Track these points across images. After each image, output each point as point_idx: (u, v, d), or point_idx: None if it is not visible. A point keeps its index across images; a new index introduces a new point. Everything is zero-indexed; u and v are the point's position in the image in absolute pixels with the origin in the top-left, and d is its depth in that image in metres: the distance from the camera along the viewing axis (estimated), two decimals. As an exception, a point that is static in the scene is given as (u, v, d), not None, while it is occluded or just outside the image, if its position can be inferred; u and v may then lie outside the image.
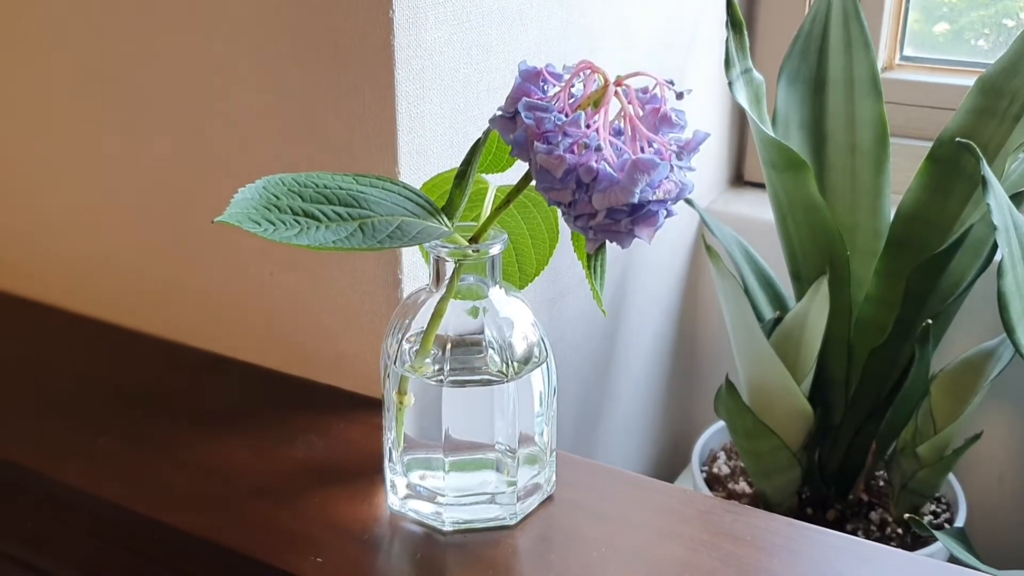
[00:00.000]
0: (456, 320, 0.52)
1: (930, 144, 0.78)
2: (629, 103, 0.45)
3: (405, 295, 0.61)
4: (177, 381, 0.68)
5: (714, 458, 0.93)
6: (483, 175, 0.53)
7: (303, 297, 0.65)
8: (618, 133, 0.46)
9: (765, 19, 1.00)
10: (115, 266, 0.74)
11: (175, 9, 0.63)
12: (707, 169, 1.00)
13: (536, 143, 0.44)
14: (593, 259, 0.48)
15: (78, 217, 0.74)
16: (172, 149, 0.67)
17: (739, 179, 1.08)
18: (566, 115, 0.45)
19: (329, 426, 0.61)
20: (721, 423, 0.94)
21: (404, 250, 0.60)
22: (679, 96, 0.46)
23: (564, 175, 0.44)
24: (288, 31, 0.59)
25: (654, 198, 0.44)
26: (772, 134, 0.74)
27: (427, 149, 0.60)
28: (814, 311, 0.79)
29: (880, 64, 0.97)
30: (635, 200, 0.43)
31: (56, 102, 0.72)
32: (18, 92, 0.74)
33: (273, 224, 0.43)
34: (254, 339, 0.68)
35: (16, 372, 0.70)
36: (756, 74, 0.77)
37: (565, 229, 0.54)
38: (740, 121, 1.05)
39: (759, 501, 0.87)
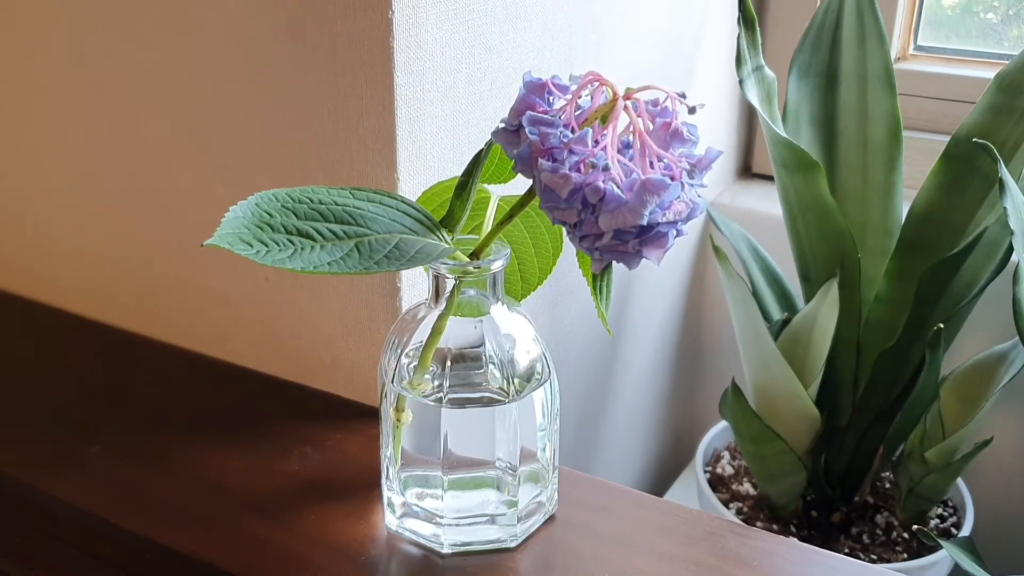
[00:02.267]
0: (456, 333, 0.50)
1: (944, 138, 0.76)
2: (639, 117, 0.43)
3: (404, 304, 0.59)
4: (170, 386, 0.67)
5: (718, 458, 0.92)
6: (485, 185, 0.51)
7: (299, 302, 0.63)
8: (626, 146, 0.44)
9: (776, 10, 0.98)
10: (107, 267, 0.72)
11: (171, 9, 0.60)
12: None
13: (540, 160, 0.42)
14: (599, 279, 0.47)
15: (70, 216, 0.73)
16: (166, 151, 0.65)
17: (747, 171, 1.05)
18: (572, 130, 0.43)
19: (325, 437, 0.60)
20: (725, 423, 0.93)
21: (403, 258, 0.58)
22: (691, 111, 0.44)
23: (570, 195, 0.42)
24: (285, 32, 0.56)
25: (664, 220, 0.42)
26: (784, 134, 0.72)
27: (427, 152, 0.58)
28: (823, 314, 0.77)
29: (893, 54, 0.95)
30: (644, 222, 0.41)
31: (49, 101, 0.70)
32: (11, 92, 0.72)
33: (266, 245, 0.42)
34: (249, 344, 0.67)
35: (3, 374, 0.68)
36: (768, 71, 0.75)
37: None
38: (748, 113, 1.03)
39: (763, 503, 0.86)
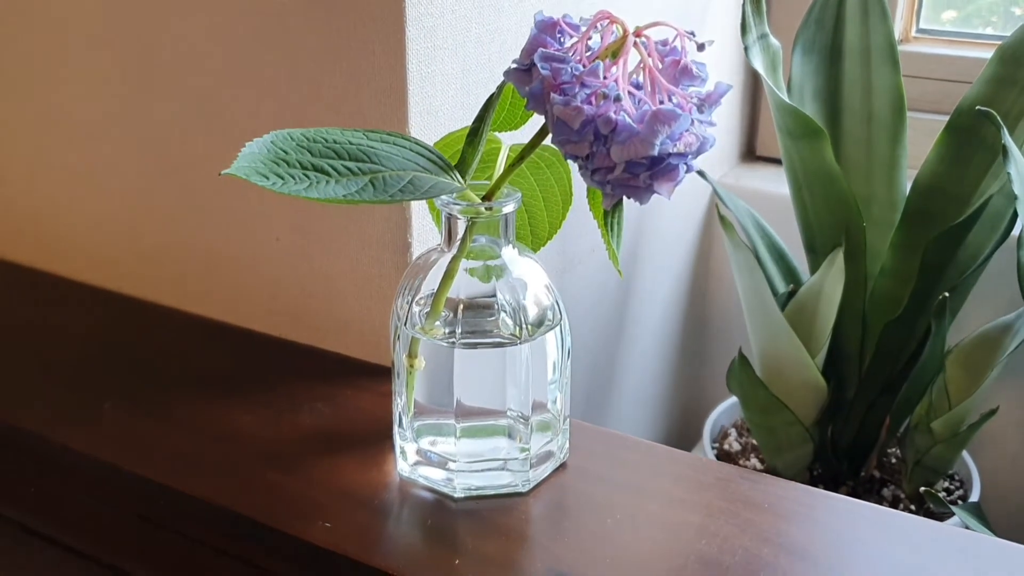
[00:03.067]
0: (468, 282, 0.50)
1: (945, 118, 0.77)
2: (648, 55, 0.44)
3: (415, 257, 0.59)
4: (182, 348, 0.67)
5: (725, 435, 0.92)
6: (496, 133, 0.52)
7: (310, 263, 0.64)
8: (637, 87, 0.44)
9: (779, -12, 0.99)
10: (119, 232, 0.73)
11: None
12: (719, 142, 0.98)
13: (553, 94, 0.43)
14: (610, 216, 0.47)
15: (80, 182, 0.73)
16: (177, 110, 0.66)
17: (751, 153, 1.06)
18: (584, 66, 0.44)
19: (336, 394, 0.60)
20: (732, 399, 0.93)
21: (414, 213, 0.59)
22: (700, 47, 0.44)
23: (582, 127, 0.42)
24: (296, -13, 0.57)
25: (674, 151, 0.42)
26: (789, 101, 0.73)
27: (438, 110, 0.58)
28: (829, 283, 0.77)
29: (896, 35, 0.96)
30: (655, 152, 0.42)
31: (58, 66, 0.70)
32: (20, 59, 0.72)
33: (282, 178, 0.42)
34: (260, 306, 0.67)
35: (20, 339, 0.69)
36: (773, 40, 0.76)
37: (579, 192, 0.53)
38: (752, 93, 1.03)
39: (770, 477, 0.86)
